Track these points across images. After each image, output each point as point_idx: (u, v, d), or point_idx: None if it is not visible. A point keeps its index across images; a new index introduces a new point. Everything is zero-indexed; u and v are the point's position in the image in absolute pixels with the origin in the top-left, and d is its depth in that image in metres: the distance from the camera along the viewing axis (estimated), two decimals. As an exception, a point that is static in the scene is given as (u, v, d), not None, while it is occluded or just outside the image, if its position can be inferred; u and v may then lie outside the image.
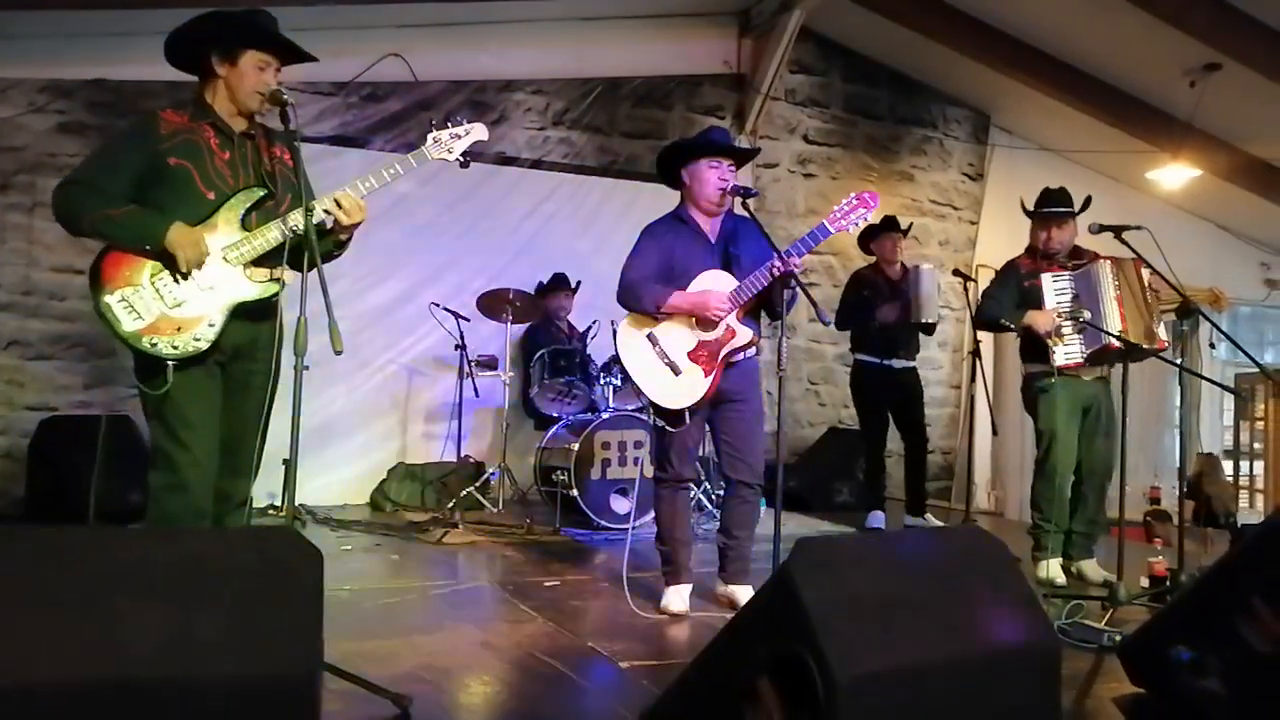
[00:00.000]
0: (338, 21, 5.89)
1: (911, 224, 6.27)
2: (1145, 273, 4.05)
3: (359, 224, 2.76)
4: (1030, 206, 4.35)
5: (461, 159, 2.96)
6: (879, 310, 5.61)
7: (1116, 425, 4.32)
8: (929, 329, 5.77)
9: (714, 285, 3.48)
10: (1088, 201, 4.28)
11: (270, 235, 2.63)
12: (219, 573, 1.41)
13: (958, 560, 1.70)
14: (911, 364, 5.80)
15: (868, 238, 5.86)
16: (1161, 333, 4.01)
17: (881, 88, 7.94)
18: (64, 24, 5.45)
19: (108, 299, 2.53)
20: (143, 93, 5.65)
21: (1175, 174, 7.42)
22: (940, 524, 5.54)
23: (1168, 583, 3.83)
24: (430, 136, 2.94)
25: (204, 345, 2.58)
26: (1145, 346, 3.89)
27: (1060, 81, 7.19)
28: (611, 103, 6.99)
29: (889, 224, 5.85)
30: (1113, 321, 3.91)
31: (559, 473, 5.28)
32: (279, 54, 2.75)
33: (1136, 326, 3.92)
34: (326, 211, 2.68)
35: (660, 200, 3.79)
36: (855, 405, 5.98)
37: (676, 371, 3.46)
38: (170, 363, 2.53)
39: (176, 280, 2.56)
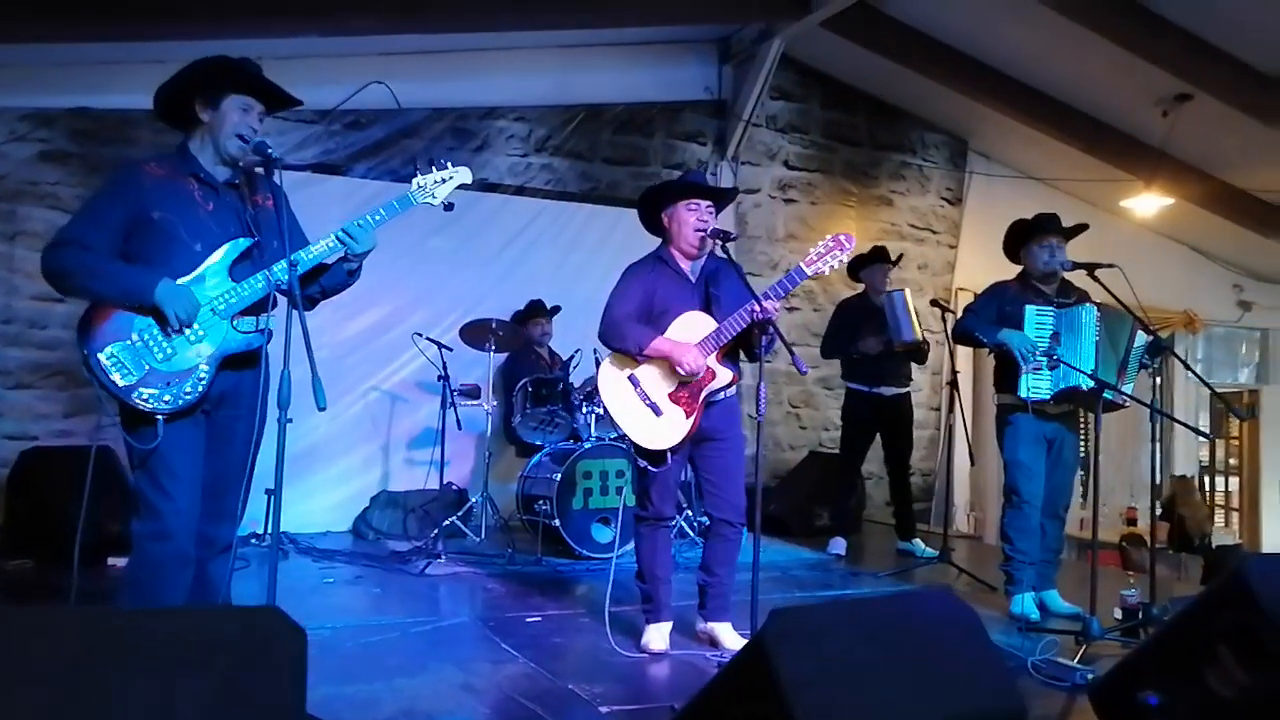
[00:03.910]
0: (321, 49, 5.93)
1: (902, 255, 6.32)
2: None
3: (369, 252, 2.83)
4: (1019, 232, 4.39)
5: (446, 205, 3.00)
6: (861, 342, 5.67)
7: (1078, 459, 4.40)
8: (920, 356, 5.78)
9: (694, 326, 3.53)
10: (1081, 227, 4.35)
11: (257, 285, 2.66)
12: (201, 652, 1.44)
13: (927, 626, 1.75)
14: (903, 390, 5.83)
15: (857, 266, 5.92)
16: (1128, 390, 4.07)
17: (861, 114, 8.04)
18: (46, 53, 5.46)
19: (98, 355, 2.53)
20: (125, 122, 5.67)
21: (1149, 203, 7.54)
22: (931, 551, 5.55)
23: (1140, 615, 3.89)
24: (414, 181, 2.98)
25: (194, 398, 2.60)
26: (1111, 397, 3.94)
27: (1036, 109, 7.30)
28: (593, 129, 7.04)
29: (879, 254, 5.91)
30: (1085, 365, 3.96)
31: (541, 502, 5.31)
32: (262, 98, 2.79)
33: (1107, 376, 3.97)
34: (337, 240, 2.75)
35: (642, 227, 3.82)
36: (842, 430, 6.04)
37: (658, 412, 3.50)
38: (160, 417, 2.54)
39: (165, 334, 2.58)
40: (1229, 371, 9.83)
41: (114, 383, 2.53)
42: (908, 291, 5.74)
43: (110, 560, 4.47)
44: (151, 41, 5.20)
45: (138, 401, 2.54)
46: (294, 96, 2.87)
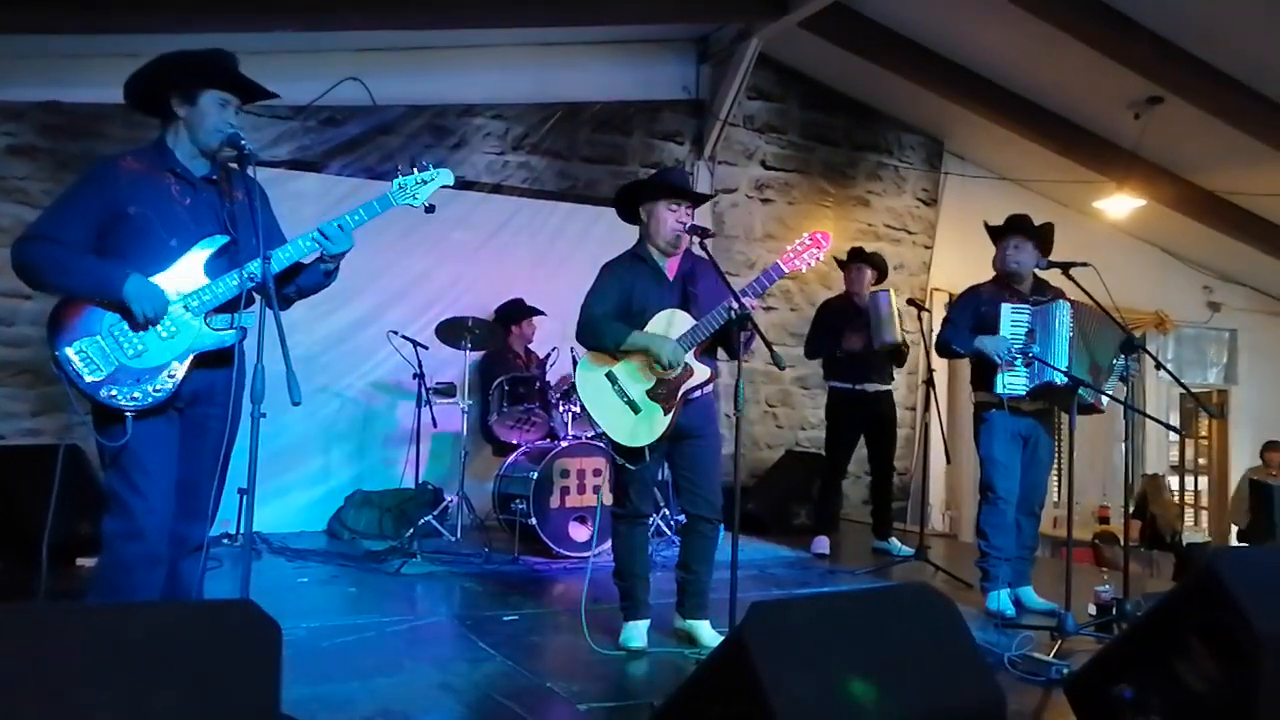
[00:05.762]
0: (296, 45, 5.88)
1: (888, 268, 6.31)
2: None
3: (346, 252, 2.79)
4: (991, 234, 4.43)
5: (427, 207, 2.96)
6: (844, 339, 5.68)
7: (1053, 456, 4.45)
8: (899, 358, 5.78)
9: (672, 323, 3.52)
10: (1047, 228, 4.39)
11: (232, 283, 2.62)
12: (174, 650, 1.41)
13: (906, 620, 1.75)
14: (886, 387, 5.83)
15: (844, 262, 5.96)
16: (1107, 387, 4.10)
17: (838, 114, 8.07)
18: (14, 45, 5.36)
19: (66, 350, 2.49)
20: (95, 116, 5.59)
21: (1120, 204, 7.63)
22: (908, 550, 5.57)
23: (1114, 611, 3.93)
24: (395, 181, 2.94)
25: (164, 396, 2.56)
26: (1085, 395, 3.98)
27: (1010, 111, 7.37)
28: (571, 128, 7.02)
29: (865, 259, 5.92)
30: (1060, 362, 4.00)
31: (518, 500, 5.28)
32: (239, 92, 2.75)
33: (1080, 372, 4.00)
34: (314, 240, 2.71)
35: (619, 225, 3.83)
36: (827, 430, 6.03)
37: (636, 410, 3.49)
38: (129, 414, 2.50)
39: (135, 330, 2.54)
40: (1198, 372, 9.95)
41: (82, 379, 2.48)
42: (893, 293, 5.75)
43: (79, 561, 4.40)
44: (123, 34, 5.14)
45: (106, 398, 2.50)
46: (268, 90, 2.83)
